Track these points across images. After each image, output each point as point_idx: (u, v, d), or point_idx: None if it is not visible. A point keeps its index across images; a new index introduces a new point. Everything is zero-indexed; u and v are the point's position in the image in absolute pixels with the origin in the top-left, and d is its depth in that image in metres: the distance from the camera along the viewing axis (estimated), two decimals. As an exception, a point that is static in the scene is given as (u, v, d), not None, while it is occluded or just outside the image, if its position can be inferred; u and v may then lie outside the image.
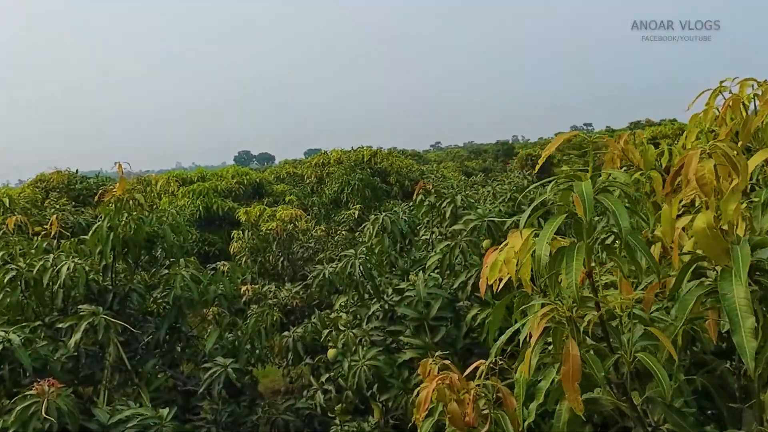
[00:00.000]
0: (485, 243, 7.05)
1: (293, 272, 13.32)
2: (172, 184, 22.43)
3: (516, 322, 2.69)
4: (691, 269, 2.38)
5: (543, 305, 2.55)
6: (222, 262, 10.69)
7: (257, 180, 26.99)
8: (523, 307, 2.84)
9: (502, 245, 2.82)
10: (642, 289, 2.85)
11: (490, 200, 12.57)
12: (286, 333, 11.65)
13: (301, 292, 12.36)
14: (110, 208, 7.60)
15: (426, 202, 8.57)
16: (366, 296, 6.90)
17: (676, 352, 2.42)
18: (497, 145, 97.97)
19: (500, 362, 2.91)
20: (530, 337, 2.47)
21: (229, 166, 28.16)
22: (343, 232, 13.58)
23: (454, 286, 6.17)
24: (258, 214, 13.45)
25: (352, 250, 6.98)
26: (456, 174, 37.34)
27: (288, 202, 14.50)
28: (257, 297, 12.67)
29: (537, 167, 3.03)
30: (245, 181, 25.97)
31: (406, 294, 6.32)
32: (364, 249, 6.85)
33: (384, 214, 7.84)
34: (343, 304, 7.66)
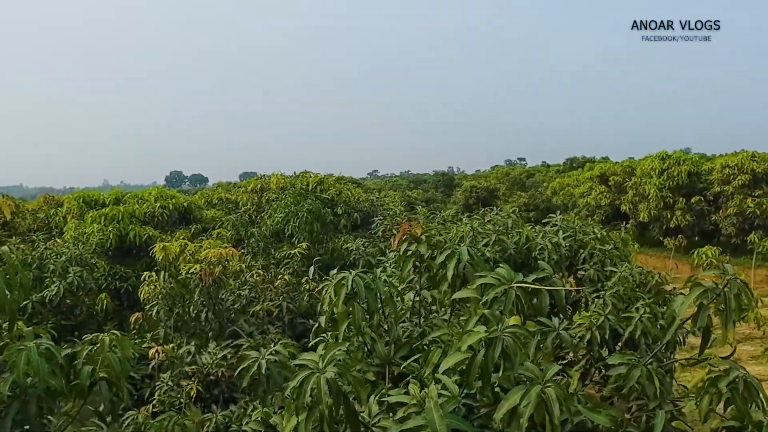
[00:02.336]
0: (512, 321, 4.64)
1: (219, 327, 10.45)
2: (76, 207, 19.02)
3: None
4: None
5: None
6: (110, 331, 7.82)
7: (185, 204, 23.80)
8: None
9: None
10: None
11: (468, 241, 10.24)
12: (208, 415, 8.82)
13: (228, 356, 9.52)
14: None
15: (409, 253, 6.06)
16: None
17: None
18: (437, 176, 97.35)
19: None
20: None
21: (154, 186, 24.79)
22: (286, 277, 10.84)
23: (499, 415, 3.59)
24: (178, 250, 10.55)
25: (312, 358, 4.31)
26: (400, 204, 34.86)
27: (218, 236, 11.79)
28: (170, 361, 9.72)
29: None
30: (170, 205, 22.74)
31: (409, 426, 3.69)
32: (340, 352, 4.21)
33: (353, 273, 5.25)
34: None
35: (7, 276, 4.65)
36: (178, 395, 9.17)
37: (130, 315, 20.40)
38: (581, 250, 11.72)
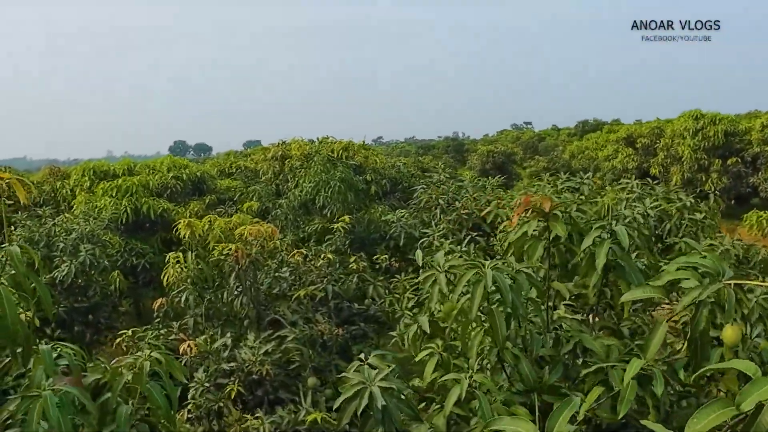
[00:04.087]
0: (729, 334, 3.28)
1: (257, 315, 9.09)
2: (86, 179, 17.59)
3: None
4: None
5: None
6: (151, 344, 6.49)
7: (198, 174, 22.34)
8: None
9: None
10: None
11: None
12: (253, 421, 7.55)
13: (273, 351, 8.17)
14: None
15: (536, 233, 4.58)
16: None
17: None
18: (446, 141, 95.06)
19: None
20: None
21: (166, 155, 23.30)
22: (329, 256, 9.42)
23: None
24: (206, 227, 9.13)
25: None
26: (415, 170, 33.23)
27: (247, 210, 10.35)
28: (203, 357, 8.39)
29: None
30: (184, 175, 21.30)
31: None
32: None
33: (491, 263, 3.81)
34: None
35: (16, 291, 3.25)
36: (217, 397, 7.86)
37: (146, 293, 19.26)
38: (666, 220, 10.25)
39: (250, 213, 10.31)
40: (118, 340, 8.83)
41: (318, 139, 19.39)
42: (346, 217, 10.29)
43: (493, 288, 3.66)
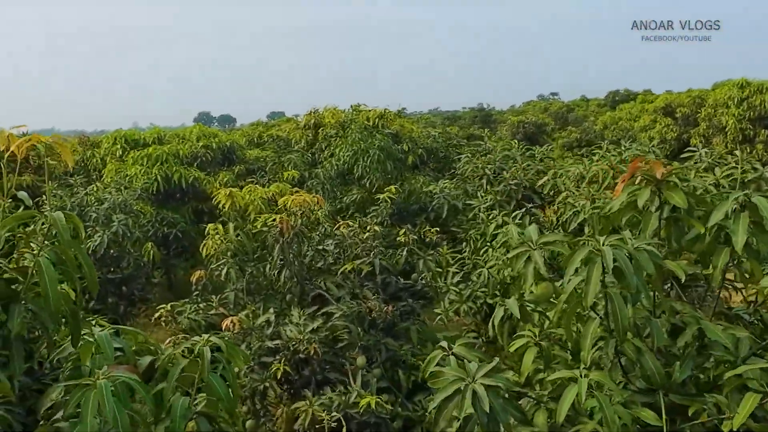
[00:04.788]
0: None
1: (301, 290, 8.61)
2: (119, 147, 17.21)
3: None
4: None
5: None
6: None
7: (227, 144, 21.88)
8: None
9: None
10: None
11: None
12: (300, 404, 7.10)
13: (320, 329, 7.70)
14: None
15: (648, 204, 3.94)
16: None
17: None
18: (472, 112, 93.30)
19: None
20: None
21: (195, 124, 22.86)
22: (376, 228, 8.87)
23: None
24: (248, 197, 8.62)
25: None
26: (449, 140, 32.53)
27: (287, 179, 9.82)
28: (246, 333, 7.96)
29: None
30: (214, 144, 20.85)
31: None
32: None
33: (607, 240, 3.21)
34: None
35: (63, 262, 2.75)
36: (262, 377, 7.43)
37: (178, 264, 18.98)
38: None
39: (289, 182, 9.79)
40: (156, 314, 8.43)
41: (352, 107, 18.74)
42: (392, 187, 9.71)
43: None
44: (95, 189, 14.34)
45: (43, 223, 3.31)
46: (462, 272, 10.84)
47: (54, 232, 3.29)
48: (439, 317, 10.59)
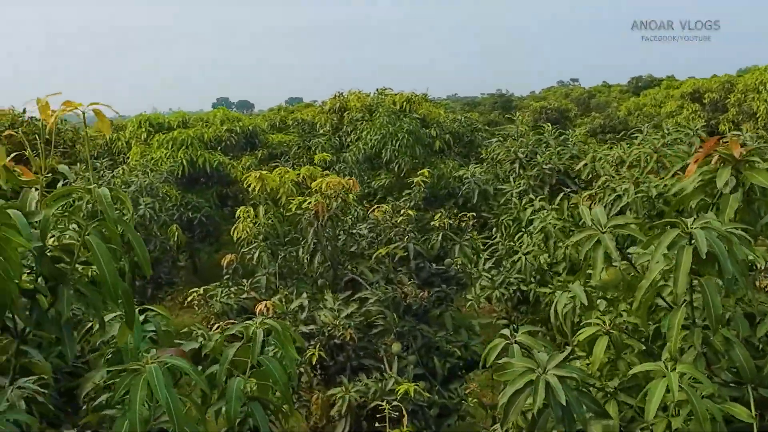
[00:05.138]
0: None
1: (334, 275, 8.46)
2: (143, 131, 17.15)
3: None
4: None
5: None
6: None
7: (250, 128, 21.78)
8: None
9: None
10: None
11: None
12: (336, 390, 6.96)
13: (354, 314, 7.54)
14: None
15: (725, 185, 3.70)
16: None
17: None
18: (492, 98, 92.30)
19: None
20: None
21: (218, 108, 22.77)
22: (410, 212, 8.67)
23: None
24: (278, 179, 8.46)
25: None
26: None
27: (318, 162, 9.64)
28: (279, 318, 7.81)
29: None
30: (237, 128, 20.75)
31: None
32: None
33: (696, 222, 2.97)
34: None
35: (108, 240, 2.59)
36: (296, 363, 7.30)
37: (202, 248, 18.96)
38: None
39: (321, 165, 9.62)
40: (189, 297, 8.33)
41: (377, 90, 18.47)
42: (425, 171, 9.48)
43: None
44: (121, 172, 14.28)
45: (87, 200, 3.16)
46: (494, 258, 10.63)
47: (99, 210, 3.14)
48: (469, 303, 10.40)
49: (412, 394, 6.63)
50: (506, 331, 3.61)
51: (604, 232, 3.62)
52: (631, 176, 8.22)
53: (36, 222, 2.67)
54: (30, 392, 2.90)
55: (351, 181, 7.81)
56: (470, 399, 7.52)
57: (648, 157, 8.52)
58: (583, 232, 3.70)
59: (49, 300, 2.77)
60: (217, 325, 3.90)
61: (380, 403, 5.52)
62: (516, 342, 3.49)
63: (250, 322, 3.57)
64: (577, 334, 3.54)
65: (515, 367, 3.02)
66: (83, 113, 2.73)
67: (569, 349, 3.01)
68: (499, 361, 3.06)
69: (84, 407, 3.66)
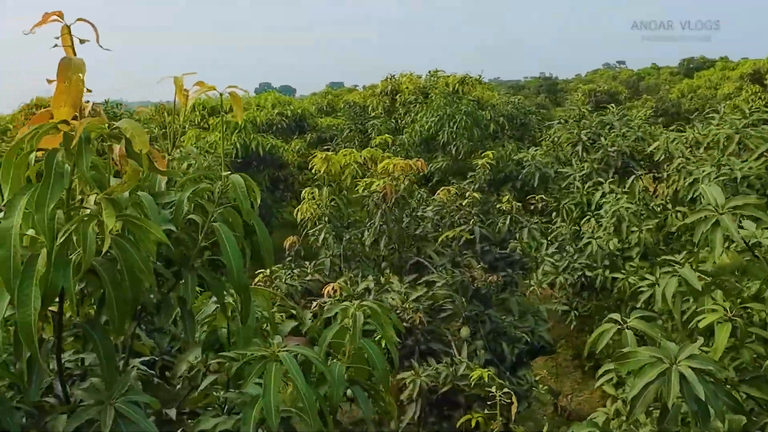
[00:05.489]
0: None
1: (399, 257, 8.37)
2: (197, 114, 17.34)
3: None
4: None
5: None
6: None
7: (299, 111, 21.81)
8: None
9: None
10: None
11: None
12: (406, 374, 6.89)
13: (421, 298, 7.45)
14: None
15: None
16: None
17: None
18: (537, 81, 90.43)
19: None
20: None
21: (269, 91, 22.87)
22: (475, 195, 8.51)
23: None
24: (345, 162, 8.39)
25: None
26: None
27: (379, 143, 9.54)
28: (347, 300, 7.77)
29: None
30: (288, 112, 20.81)
31: None
32: None
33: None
34: None
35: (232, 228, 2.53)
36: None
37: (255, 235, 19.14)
38: None
39: (382, 147, 9.53)
40: (256, 279, 8.37)
41: (429, 72, 18.24)
42: (489, 153, 9.27)
43: None
44: (178, 154, 14.45)
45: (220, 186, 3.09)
46: (557, 243, 10.38)
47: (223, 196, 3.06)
48: (531, 288, 10.20)
49: (486, 380, 6.51)
50: (616, 316, 3.45)
51: (722, 213, 3.42)
52: (711, 158, 7.87)
53: (166, 203, 2.62)
54: (144, 373, 2.89)
55: (419, 162, 7.67)
56: (541, 386, 7.37)
57: (728, 138, 8.13)
58: (699, 212, 3.50)
59: (168, 284, 2.73)
60: (315, 304, 3.84)
61: (462, 388, 5.41)
62: (628, 328, 3.34)
63: (347, 303, 3.49)
64: (695, 320, 3.36)
65: (640, 356, 2.85)
66: (220, 95, 2.65)
67: (700, 339, 2.83)
68: (623, 350, 2.90)
69: (177, 387, 3.66)
